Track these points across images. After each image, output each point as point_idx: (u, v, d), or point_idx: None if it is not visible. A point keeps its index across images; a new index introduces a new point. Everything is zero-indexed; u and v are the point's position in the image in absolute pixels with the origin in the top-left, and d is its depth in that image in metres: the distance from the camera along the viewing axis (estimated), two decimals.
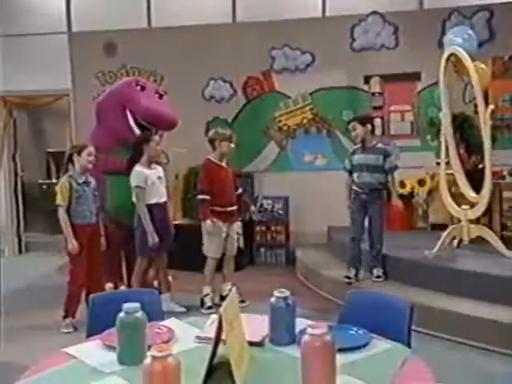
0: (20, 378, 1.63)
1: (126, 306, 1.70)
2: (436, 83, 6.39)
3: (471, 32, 5.41)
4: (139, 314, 1.70)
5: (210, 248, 4.76)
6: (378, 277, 4.76)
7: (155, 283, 4.99)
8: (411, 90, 6.84)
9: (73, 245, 4.20)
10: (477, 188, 4.92)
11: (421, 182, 6.37)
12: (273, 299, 1.86)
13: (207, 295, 4.77)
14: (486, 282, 4.06)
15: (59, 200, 4.20)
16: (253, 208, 5.21)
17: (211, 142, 4.79)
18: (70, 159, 4.28)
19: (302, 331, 1.87)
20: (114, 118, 5.12)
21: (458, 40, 5.25)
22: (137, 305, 1.71)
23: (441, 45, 6.53)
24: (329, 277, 5.25)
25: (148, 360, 1.32)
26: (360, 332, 1.85)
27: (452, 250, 4.87)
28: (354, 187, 4.83)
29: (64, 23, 7.49)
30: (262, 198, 6.89)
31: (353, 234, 4.89)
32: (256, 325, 1.90)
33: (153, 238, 4.42)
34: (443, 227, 5.70)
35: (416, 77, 6.79)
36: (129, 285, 4.96)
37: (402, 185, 6.38)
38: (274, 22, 6.94)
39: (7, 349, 3.91)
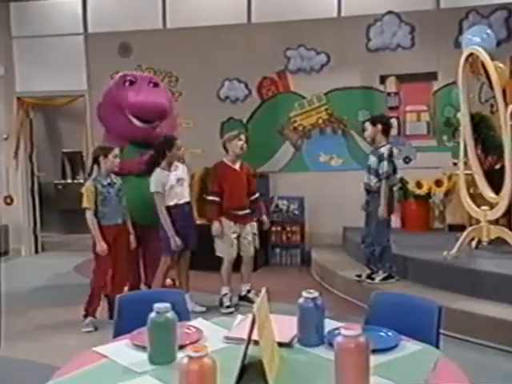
0: (51, 377, 1.65)
1: (156, 305, 1.71)
2: (453, 83, 6.37)
3: (490, 31, 5.38)
4: (170, 314, 1.71)
5: (221, 249, 4.76)
6: (372, 278, 4.77)
7: (167, 281, 5.01)
8: (427, 90, 6.80)
9: (101, 246, 4.22)
10: (494, 188, 4.89)
11: (438, 183, 6.33)
12: (301, 300, 1.85)
13: (225, 295, 4.77)
14: (505, 283, 4.03)
15: (85, 203, 4.24)
16: (265, 219, 5.04)
17: (224, 146, 4.79)
18: (96, 161, 4.31)
19: (331, 332, 1.88)
20: (115, 119, 5.14)
21: (476, 39, 5.22)
22: (167, 305, 1.71)
23: (457, 44, 6.52)
24: (345, 277, 5.23)
25: (184, 360, 1.32)
26: (389, 333, 1.84)
27: (470, 251, 4.84)
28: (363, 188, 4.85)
29: (80, 25, 7.54)
30: (278, 198, 6.90)
31: (362, 235, 4.91)
32: (284, 325, 1.90)
33: (175, 242, 4.45)
34: (460, 228, 5.67)
35: (432, 77, 6.75)
36: (147, 285, 4.99)
37: (419, 185, 6.36)
38: (289, 23, 6.94)
39: (26, 347, 3.94)
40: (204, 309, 4.56)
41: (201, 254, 5.66)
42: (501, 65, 4.99)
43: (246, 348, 1.58)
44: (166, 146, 4.55)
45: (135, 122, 5.05)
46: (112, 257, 4.31)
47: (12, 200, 7.78)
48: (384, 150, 4.67)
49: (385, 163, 4.59)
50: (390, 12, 6.81)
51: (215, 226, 4.66)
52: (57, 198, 9.58)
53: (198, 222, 6.43)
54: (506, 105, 4.63)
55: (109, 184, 4.31)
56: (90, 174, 4.37)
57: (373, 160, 4.71)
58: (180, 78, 7.29)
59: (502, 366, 3.47)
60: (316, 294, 1.86)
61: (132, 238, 4.49)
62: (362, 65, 6.88)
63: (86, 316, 4.33)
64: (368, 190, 4.75)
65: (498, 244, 4.72)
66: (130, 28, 7.29)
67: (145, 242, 4.85)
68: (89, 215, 4.26)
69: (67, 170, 10.00)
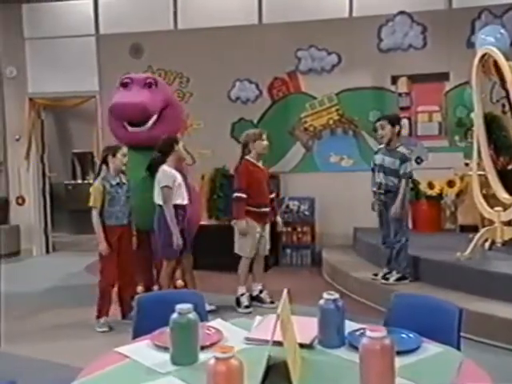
0: (74, 377, 1.65)
1: (179, 306, 1.71)
2: (465, 83, 6.35)
3: (503, 31, 5.37)
4: (192, 315, 1.71)
5: (244, 248, 4.75)
6: (386, 279, 4.79)
7: (178, 283, 5.02)
8: (439, 91, 6.77)
9: (103, 246, 4.24)
10: (507, 189, 4.86)
11: (450, 183, 6.30)
12: (322, 301, 1.85)
13: (243, 295, 4.78)
14: None
15: (92, 202, 4.24)
16: (279, 220, 5.07)
17: (245, 145, 4.78)
18: (105, 161, 4.32)
19: (351, 333, 1.88)
20: (111, 124, 5.15)
21: (490, 39, 5.21)
22: (190, 305, 1.71)
23: (470, 44, 6.49)
24: (357, 278, 5.22)
25: (212, 361, 1.32)
26: (411, 335, 1.83)
27: (484, 252, 4.81)
28: (374, 188, 4.84)
29: (92, 26, 7.57)
30: (288, 199, 6.90)
31: (383, 235, 4.91)
32: (305, 326, 1.89)
33: (177, 240, 4.40)
34: (472, 229, 5.64)
35: (444, 77, 6.72)
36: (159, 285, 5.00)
37: (431, 186, 6.33)
38: (299, 23, 6.94)
39: (43, 347, 3.97)
40: (214, 307, 4.55)
41: (210, 254, 5.69)
42: None
43: (270, 350, 1.58)
44: (172, 142, 4.54)
45: (127, 126, 5.01)
46: (118, 257, 4.31)
47: (24, 200, 7.83)
48: (405, 151, 4.71)
49: (408, 164, 4.64)
50: (401, 12, 6.79)
51: (242, 224, 4.66)
52: (67, 199, 9.63)
53: (206, 223, 6.47)
54: None
55: (117, 184, 4.31)
56: (98, 174, 4.35)
57: (389, 160, 4.68)
58: (191, 79, 7.31)
59: None
60: (337, 295, 1.86)
61: (134, 239, 4.50)
62: (374, 65, 6.87)
63: (98, 316, 4.34)
64: (386, 191, 4.72)
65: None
66: (142, 29, 7.32)
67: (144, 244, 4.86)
68: (94, 214, 4.26)
69: (77, 171, 10.05)
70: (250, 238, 4.70)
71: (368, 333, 1.44)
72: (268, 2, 7.17)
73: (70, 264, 7.13)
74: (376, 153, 4.91)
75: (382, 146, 4.86)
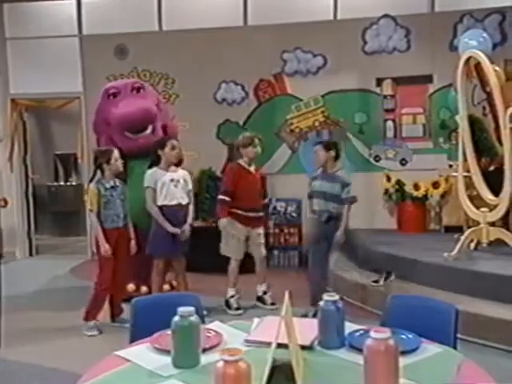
0: (77, 381, 1.64)
1: (180, 309, 1.71)
2: (448, 86, 6.45)
3: (486, 35, 5.45)
4: (194, 318, 1.71)
5: (226, 248, 4.79)
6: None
7: (165, 287, 5.00)
8: (423, 93, 6.86)
9: (105, 248, 4.22)
10: (490, 190, 4.94)
11: (435, 185, 6.38)
12: (322, 302, 1.87)
13: (232, 297, 4.78)
14: (507, 284, 4.07)
15: (90, 205, 4.26)
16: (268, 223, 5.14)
17: (237, 149, 4.82)
18: (100, 167, 4.31)
19: (351, 334, 1.89)
20: (112, 135, 5.07)
21: (473, 43, 5.28)
22: (191, 308, 1.71)
23: (452, 47, 6.59)
24: (346, 279, 5.26)
25: (220, 364, 1.32)
26: (410, 336, 1.86)
27: (470, 252, 4.88)
28: (311, 214, 4.65)
29: (75, 26, 7.48)
30: (275, 200, 6.91)
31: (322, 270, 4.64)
32: (304, 328, 1.90)
33: (173, 229, 4.44)
34: (457, 229, 5.73)
35: (428, 79, 6.81)
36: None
37: (416, 187, 6.40)
38: (285, 25, 6.95)
39: (29, 351, 3.91)
40: (204, 312, 4.52)
41: (195, 256, 5.66)
42: (497, 68, 5.06)
43: (273, 351, 1.58)
44: (158, 146, 4.58)
45: (128, 135, 5.01)
46: (114, 260, 4.30)
47: (6, 202, 7.68)
48: (344, 175, 4.52)
49: (349, 188, 4.44)
50: (385, 15, 6.86)
51: (223, 222, 4.70)
52: (50, 201, 9.52)
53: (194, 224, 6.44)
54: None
55: (112, 187, 4.31)
56: (92, 178, 4.35)
57: (329, 186, 4.46)
58: (176, 81, 7.28)
59: (503, 364, 3.50)
60: (337, 296, 1.87)
61: (133, 243, 4.47)
62: (359, 67, 6.92)
63: (86, 319, 4.30)
64: (328, 218, 4.45)
65: (497, 245, 4.77)
66: (126, 30, 7.26)
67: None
68: (93, 217, 4.28)
69: (60, 172, 9.93)
70: (233, 239, 4.74)
71: (372, 334, 1.46)
72: (253, 4, 7.17)
73: (54, 267, 7.04)
74: (314, 179, 4.64)
75: (318, 171, 4.63)
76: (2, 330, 4.05)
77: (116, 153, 4.32)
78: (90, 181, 4.37)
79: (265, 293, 4.92)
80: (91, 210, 4.26)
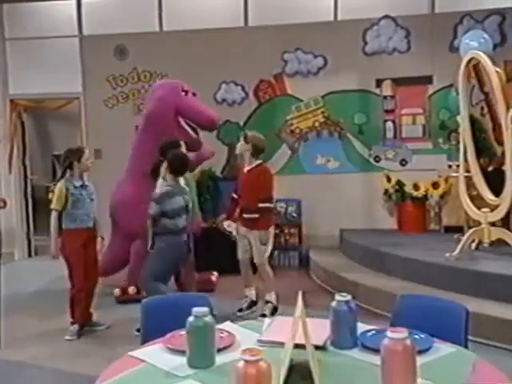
0: (82, 382, 1.64)
1: (195, 309, 1.71)
2: (448, 86, 6.49)
3: (486, 36, 5.48)
4: (208, 318, 1.71)
5: (237, 249, 4.73)
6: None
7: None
8: (423, 94, 6.89)
9: (55, 249, 4.20)
10: (489, 190, 4.96)
11: (435, 185, 6.40)
12: (334, 303, 1.87)
13: (246, 297, 4.73)
14: (510, 284, 4.09)
15: (54, 204, 4.19)
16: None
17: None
18: (70, 166, 4.23)
19: (364, 334, 1.90)
20: (168, 126, 5.10)
21: (474, 44, 5.31)
22: (206, 309, 1.72)
23: (452, 48, 6.63)
24: (348, 279, 5.26)
25: (241, 364, 1.33)
26: (422, 336, 1.86)
27: (471, 252, 4.90)
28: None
29: (75, 26, 7.47)
30: (275, 201, 6.90)
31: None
32: (316, 328, 1.91)
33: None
34: (456, 230, 5.76)
35: (428, 80, 6.84)
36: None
37: (416, 187, 6.42)
38: (286, 26, 6.97)
39: (25, 352, 3.90)
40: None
41: (197, 256, 5.66)
42: (498, 69, 5.08)
43: (290, 352, 1.59)
44: (170, 148, 4.51)
45: (189, 130, 5.27)
46: (84, 260, 4.22)
47: (5, 203, 7.64)
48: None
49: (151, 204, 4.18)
50: (386, 16, 6.88)
51: (226, 222, 4.70)
52: (49, 201, 9.45)
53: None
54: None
55: (81, 186, 4.25)
56: (62, 177, 4.27)
57: None
58: None
59: (506, 364, 3.51)
60: (349, 297, 1.88)
61: (99, 240, 4.40)
62: (359, 68, 6.95)
63: (73, 322, 4.26)
64: None
65: (498, 245, 4.79)
66: (126, 30, 7.26)
67: None
68: (54, 216, 4.19)
69: (58, 173, 9.88)
70: (237, 240, 4.70)
71: (389, 334, 1.46)
72: (254, 5, 7.19)
73: (52, 268, 6.95)
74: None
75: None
76: (1, 331, 4.04)
77: (87, 152, 4.31)
78: (59, 180, 4.28)
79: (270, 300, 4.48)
80: (55, 210, 4.17)
